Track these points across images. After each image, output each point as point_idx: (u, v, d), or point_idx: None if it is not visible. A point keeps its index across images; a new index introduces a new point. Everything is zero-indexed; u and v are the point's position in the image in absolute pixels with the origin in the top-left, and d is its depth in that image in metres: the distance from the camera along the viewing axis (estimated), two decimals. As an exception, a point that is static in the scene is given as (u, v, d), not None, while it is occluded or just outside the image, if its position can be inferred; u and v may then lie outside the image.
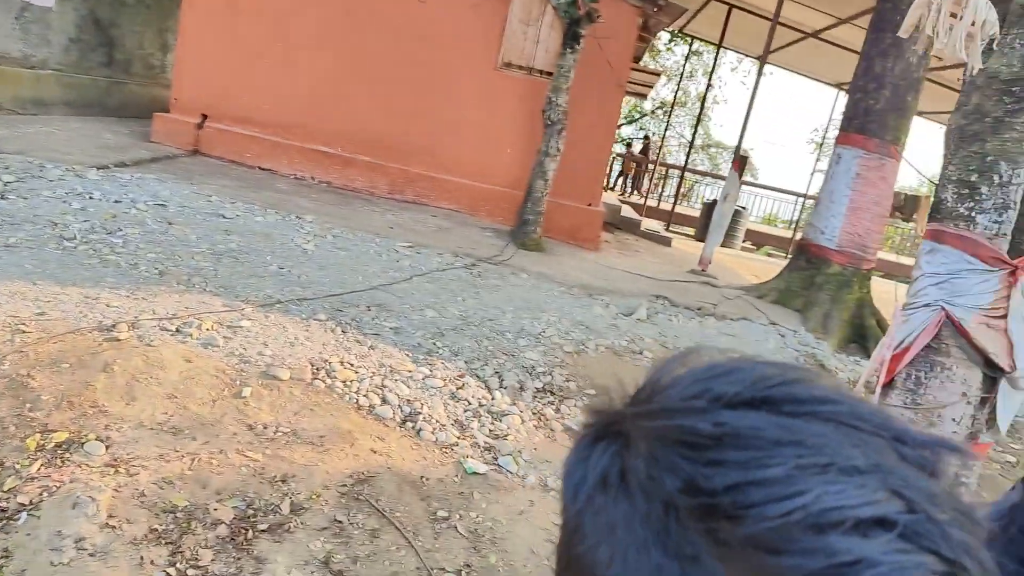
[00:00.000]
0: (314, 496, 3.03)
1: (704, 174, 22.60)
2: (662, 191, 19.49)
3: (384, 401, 3.93)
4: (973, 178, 3.58)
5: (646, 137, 20.81)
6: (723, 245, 15.23)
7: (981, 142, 3.57)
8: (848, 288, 7.59)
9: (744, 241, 17.77)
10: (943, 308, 3.62)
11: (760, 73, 8.88)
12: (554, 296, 6.54)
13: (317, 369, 4.01)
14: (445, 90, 8.73)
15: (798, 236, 14.65)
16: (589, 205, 8.72)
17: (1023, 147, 3.52)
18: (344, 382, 3.97)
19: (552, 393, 4.70)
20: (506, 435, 4.01)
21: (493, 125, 8.71)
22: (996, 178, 3.54)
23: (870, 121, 7.50)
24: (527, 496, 3.53)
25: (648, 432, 0.40)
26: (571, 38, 7.53)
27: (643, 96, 18.83)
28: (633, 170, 19.74)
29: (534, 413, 4.37)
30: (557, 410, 4.49)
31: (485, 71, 8.73)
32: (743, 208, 18.04)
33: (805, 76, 16.77)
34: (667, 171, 20.99)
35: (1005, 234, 3.57)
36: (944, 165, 3.79)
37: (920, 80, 7.58)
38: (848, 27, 11.49)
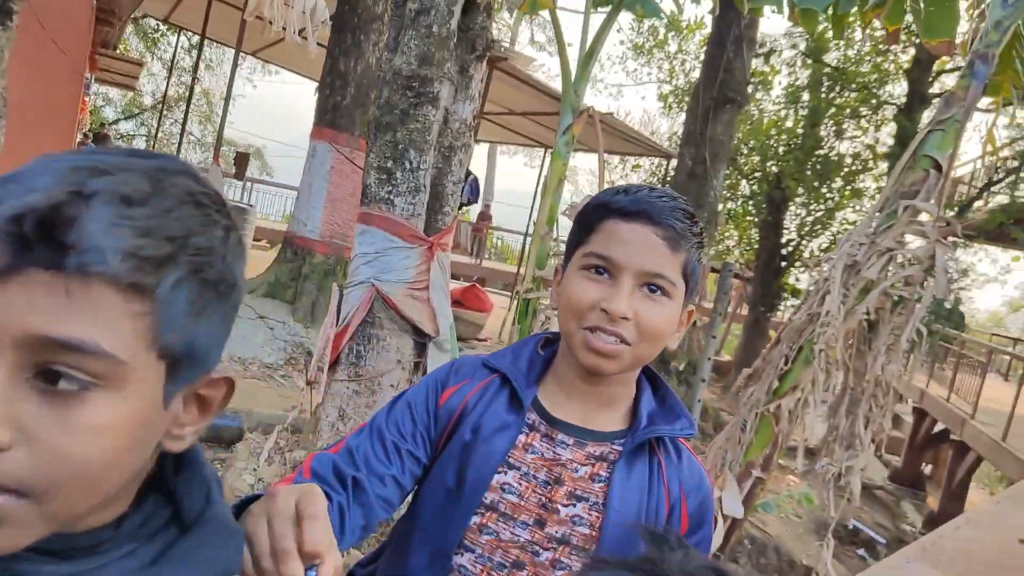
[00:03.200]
0: None
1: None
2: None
3: None
4: (389, 164, 3.91)
5: (102, 125, 19.24)
6: (230, 244, 14.85)
7: (393, 132, 3.92)
8: (333, 276, 7.92)
9: (256, 240, 17.59)
10: (373, 284, 3.92)
11: (235, 65, 8.78)
12: None
13: None
14: None
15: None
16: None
17: (426, 136, 3.95)
18: None
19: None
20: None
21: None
22: (408, 164, 3.92)
23: (339, 116, 7.90)
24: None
25: None
26: (2, 12, 6.52)
27: (130, 88, 17.42)
28: None
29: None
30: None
31: None
32: (250, 206, 17.84)
33: (298, 73, 17.14)
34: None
35: (420, 214, 3.98)
36: (367, 153, 4.09)
37: (380, 78, 8.20)
38: (326, 27, 11.99)
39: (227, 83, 8.98)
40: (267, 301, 7.72)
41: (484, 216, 22.84)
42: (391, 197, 3.91)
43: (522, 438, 1.11)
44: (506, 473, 1.09)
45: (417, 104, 3.89)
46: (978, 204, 11.89)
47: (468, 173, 10.26)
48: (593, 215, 1.12)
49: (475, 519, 1.09)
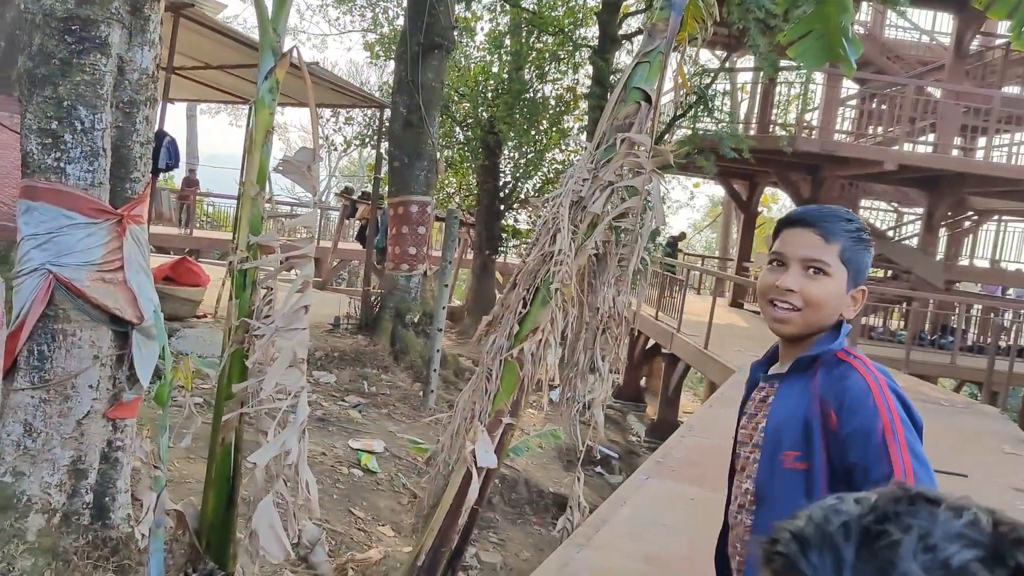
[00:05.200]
0: None
1: None
2: None
3: None
4: (54, 126, 3.26)
5: None
6: None
7: (54, 86, 3.26)
8: (6, 266, 6.75)
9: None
10: (50, 271, 3.28)
11: None
12: None
13: None
14: None
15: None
16: None
17: (99, 90, 3.34)
18: None
19: None
20: None
21: None
22: (79, 124, 3.29)
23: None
24: None
25: None
26: None
27: None
28: None
29: None
30: None
31: None
32: None
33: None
34: None
35: (102, 183, 3.38)
36: (23, 113, 3.39)
37: (28, 20, 7.01)
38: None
39: None
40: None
41: (190, 182, 21.02)
42: (61, 165, 3.27)
43: (752, 396, 1.71)
44: (740, 420, 1.72)
45: (81, 51, 3.26)
46: (666, 137, 13.00)
47: (163, 134, 9.21)
48: (776, 229, 1.64)
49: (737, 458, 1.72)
